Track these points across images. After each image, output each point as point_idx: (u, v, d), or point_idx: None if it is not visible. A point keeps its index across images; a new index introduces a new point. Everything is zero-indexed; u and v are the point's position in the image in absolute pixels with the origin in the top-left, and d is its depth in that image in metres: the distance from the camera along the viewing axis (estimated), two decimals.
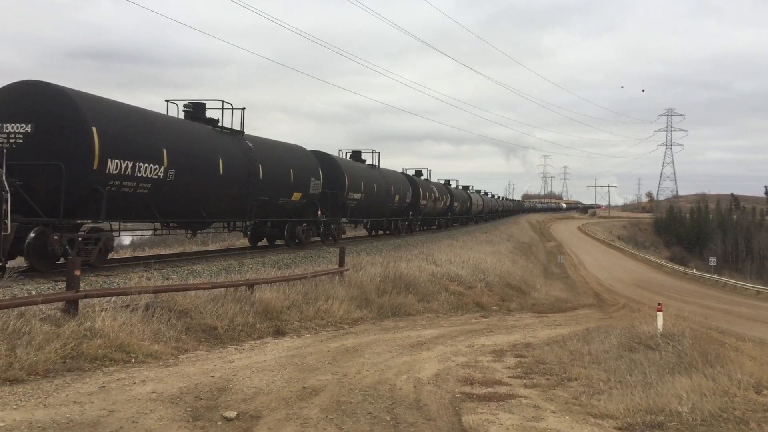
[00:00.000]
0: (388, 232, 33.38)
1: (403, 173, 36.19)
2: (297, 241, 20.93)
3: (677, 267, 66.71)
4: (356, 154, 29.31)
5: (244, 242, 24.33)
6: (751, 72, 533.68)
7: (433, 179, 46.10)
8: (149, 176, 13.33)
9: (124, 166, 12.57)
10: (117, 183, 12.52)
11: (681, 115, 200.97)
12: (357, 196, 25.44)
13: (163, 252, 21.65)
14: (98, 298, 9.17)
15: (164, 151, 13.77)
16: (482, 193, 72.60)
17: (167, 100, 16.64)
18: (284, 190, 19.54)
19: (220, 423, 5.92)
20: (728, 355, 9.42)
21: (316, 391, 7.11)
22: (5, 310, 7.69)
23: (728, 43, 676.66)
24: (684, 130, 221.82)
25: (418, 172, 40.91)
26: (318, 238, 23.17)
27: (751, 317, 33.35)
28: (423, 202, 36.98)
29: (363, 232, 34.94)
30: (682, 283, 53.40)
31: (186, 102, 16.89)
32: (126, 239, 34.95)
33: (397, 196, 31.51)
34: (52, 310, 8.55)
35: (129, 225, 16.03)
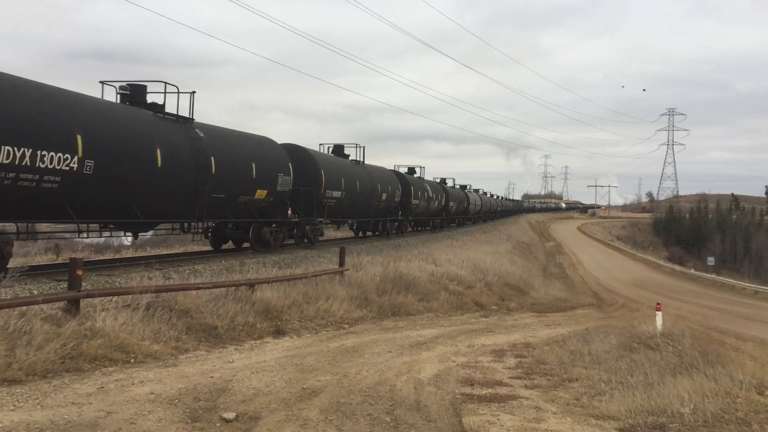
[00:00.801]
0: (376, 233, 31.24)
1: (392, 170, 33.80)
2: (265, 245, 18.96)
3: (676, 267, 66.71)
4: (338, 149, 27.21)
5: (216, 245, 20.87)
6: (751, 72, 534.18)
7: (431, 178, 45.20)
8: (58, 168, 11.21)
9: (19, 155, 10.46)
10: (10, 175, 10.43)
11: (683, 114, 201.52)
12: (336, 194, 23.26)
13: (165, 252, 21.64)
14: (99, 298, 9.15)
15: (78, 137, 11.65)
16: (480, 192, 70.77)
17: (102, 82, 14.50)
18: (245, 186, 17.35)
19: (218, 424, 5.90)
20: (729, 355, 9.39)
21: (316, 391, 7.09)
22: (7, 309, 7.67)
23: (728, 43, 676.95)
24: (685, 130, 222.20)
25: (411, 170, 38.81)
26: (292, 241, 21.35)
27: (749, 317, 33.35)
28: (414, 201, 34.83)
29: (349, 234, 33.27)
30: (681, 282, 53.39)
31: (123, 83, 14.65)
32: (127, 239, 34.49)
33: (384, 195, 29.20)
34: (54, 309, 8.53)
35: (57, 228, 14.12)
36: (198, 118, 16.25)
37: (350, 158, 27.56)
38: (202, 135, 15.59)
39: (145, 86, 14.93)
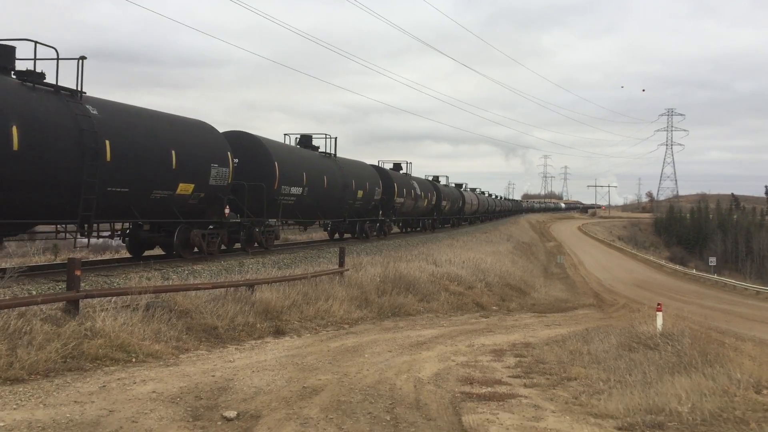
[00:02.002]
0: (354, 235, 28.18)
1: (372, 165, 30.34)
2: (196, 250, 16.03)
3: (677, 267, 66.71)
4: (305, 140, 23.90)
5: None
6: (751, 72, 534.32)
7: (424, 176, 43.69)
8: None
9: None
10: None
11: (681, 114, 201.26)
12: (295, 190, 20.02)
13: (163, 252, 21.60)
14: (99, 298, 9.19)
15: None
16: (478, 191, 68.13)
17: None
18: (161, 179, 14.05)
19: (220, 423, 5.93)
20: (728, 354, 9.41)
21: (316, 390, 7.12)
22: (6, 310, 7.70)
23: (727, 43, 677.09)
24: (684, 130, 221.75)
25: (397, 166, 35.70)
26: (239, 245, 18.64)
27: (750, 317, 33.36)
28: (399, 199, 31.60)
29: (321, 235, 30.88)
30: (682, 283, 53.39)
31: None
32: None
33: (360, 192, 25.92)
34: (53, 310, 8.57)
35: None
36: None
37: (320, 150, 24.28)
38: (94, 112, 12.43)
39: (13, 48, 11.82)
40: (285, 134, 23.59)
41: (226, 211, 16.82)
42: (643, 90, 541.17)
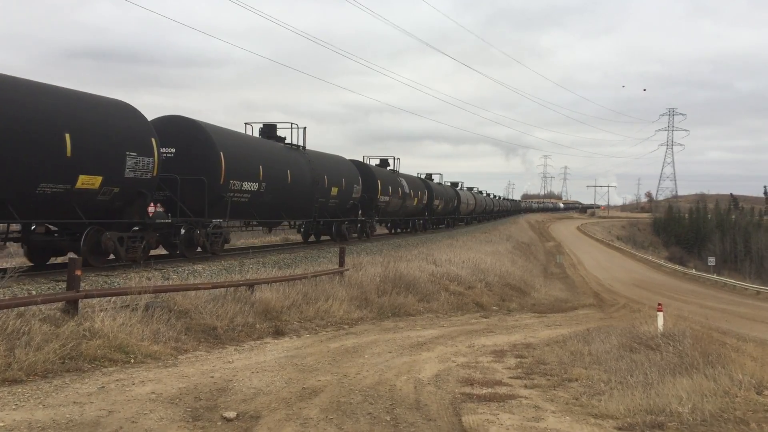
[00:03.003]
0: (329, 237, 25.50)
1: (353, 161, 27.87)
2: (111, 256, 13.52)
3: (676, 267, 66.73)
4: (269, 129, 21.01)
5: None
6: (750, 72, 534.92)
7: (416, 173, 42.04)
8: None
9: None
10: None
11: (683, 114, 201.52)
12: (249, 186, 17.38)
13: (164, 252, 21.59)
14: (98, 298, 9.16)
15: None
16: (475, 191, 66.17)
17: None
18: (49, 169, 11.39)
19: (219, 423, 5.91)
20: (729, 355, 9.41)
21: (316, 391, 7.10)
22: (5, 310, 7.68)
23: (726, 43, 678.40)
24: (685, 130, 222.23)
25: (383, 162, 33.32)
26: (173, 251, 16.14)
27: (750, 317, 33.36)
28: (383, 198, 28.94)
29: (292, 238, 28.43)
30: (682, 283, 53.40)
31: None
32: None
33: (334, 189, 23.24)
34: (52, 310, 8.54)
35: None
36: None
37: (287, 142, 21.39)
38: None
39: None
40: (246, 123, 20.41)
41: (150, 209, 14.14)
42: (644, 90, 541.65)
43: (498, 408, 6.80)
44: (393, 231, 36.31)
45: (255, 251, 19.73)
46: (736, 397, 7.06)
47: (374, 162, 31.91)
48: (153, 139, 13.93)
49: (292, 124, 21.88)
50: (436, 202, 40.60)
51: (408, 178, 35.30)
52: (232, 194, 16.67)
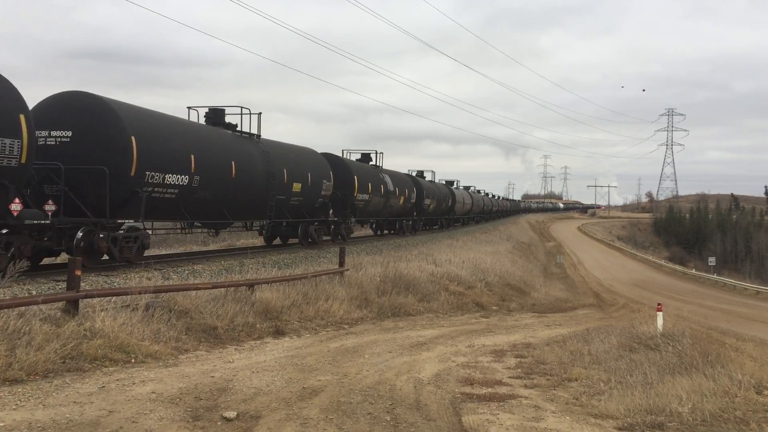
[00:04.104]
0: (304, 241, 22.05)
1: (324, 153, 24.69)
2: None
3: (677, 267, 66.71)
4: (215, 115, 18.03)
5: None
6: (749, 72, 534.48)
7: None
8: None
9: None
10: None
11: (682, 114, 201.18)
12: (177, 179, 14.36)
13: (164, 252, 21.65)
14: (98, 298, 9.17)
15: None
16: (472, 190, 63.30)
17: None
18: None
19: (219, 423, 5.92)
20: (729, 355, 9.41)
21: (316, 391, 7.11)
22: (5, 310, 7.69)
23: (725, 43, 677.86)
24: (685, 130, 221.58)
25: (365, 156, 30.07)
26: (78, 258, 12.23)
27: (750, 317, 33.34)
28: (361, 196, 25.98)
29: (251, 241, 25.89)
30: (682, 283, 53.39)
31: None
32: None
33: (296, 185, 20.18)
34: (52, 310, 8.55)
35: None
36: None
37: (238, 130, 18.46)
38: None
39: None
40: (189, 107, 17.63)
41: (14, 207, 11.09)
42: (644, 90, 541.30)
43: (498, 408, 6.81)
44: (379, 233, 33.49)
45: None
46: (736, 396, 7.06)
47: (355, 156, 29.00)
48: (21, 116, 10.95)
49: (242, 108, 18.44)
50: (427, 201, 37.95)
51: (393, 174, 32.37)
52: (149, 189, 13.53)
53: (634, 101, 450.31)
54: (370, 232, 34.51)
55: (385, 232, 33.83)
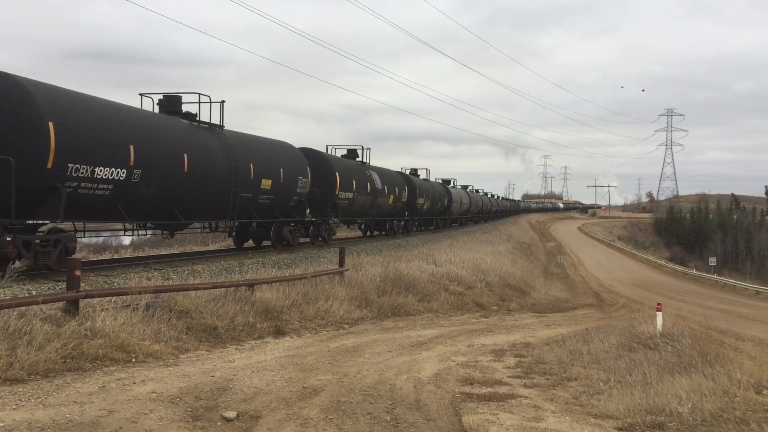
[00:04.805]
0: (272, 244, 20.17)
1: (302, 148, 22.67)
2: None
3: (677, 267, 66.74)
4: (170, 102, 16.15)
5: None
6: (749, 72, 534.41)
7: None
8: None
9: None
10: None
11: (681, 115, 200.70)
12: (112, 173, 12.40)
13: (164, 252, 21.65)
14: (98, 298, 9.19)
15: None
16: (470, 189, 61.61)
17: None
18: None
19: (219, 423, 5.93)
20: (728, 355, 9.41)
21: (316, 391, 7.12)
22: (6, 310, 7.70)
23: (725, 43, 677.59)
24: (684, 130, 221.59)
25: (351, 152, 28.06)
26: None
27: (751, 317, 33.36)
28: (345, 194, 24.03)
29: (224, 244, 24.06)
30: (682, 283, 53.41)
31: None
32: (126, 239, 30.05)
33: (266, 182, 18.22)
34: (53, 310, 8.57)
35: None
36: (152, 106, 14.40)
37: (200, 121, 16.44)
38: None
39: None
40: (141, 94, 16.03)
41: None
42: (643, 90, 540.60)
43: (498, 407, 6.81)
44: (369, 234, 31.74)
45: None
46: (736, 396, 7.07)
47: (341, 153, 27.34)
48: None
49: (201, 95, 16.60)
50: (420, 200, 35.94)
51: (382, 171, 30.27)
52: (73, 184, 11.72)
53: (634, 101, 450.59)
54: (359, 233, 32.82)
55: (375, 233, 31.95)
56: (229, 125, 17.54)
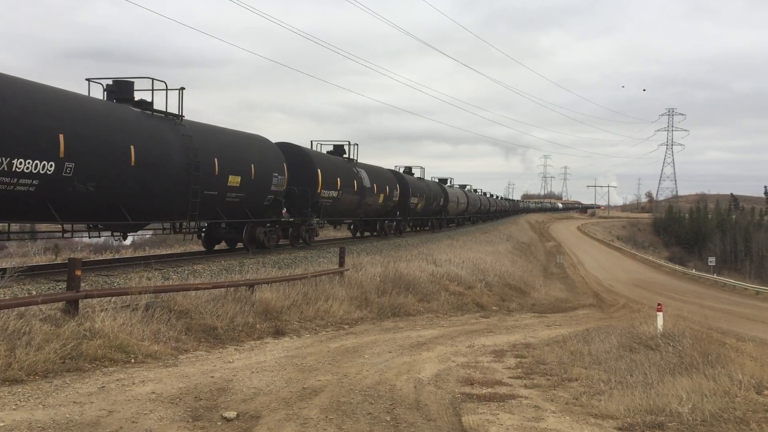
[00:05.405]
0: (243, 246, 18.85)
1: (279, 143, 21.19)
2: None
3: (676, 267, 66.76)
4: (120, 89, 14.51)
5: None
6: (748, 72, 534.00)
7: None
8: None
9: None
10: None
11: (682, 114, 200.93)
12: (35, 167, 10.98)
13: (164, 252, 21.63)
14: (98, 298, 9.17)
15: None
16: (469, 189, 60.67)
17: None
18: None
19: (219, 423, 5.92)
20: (729, 355, 9.41)
21: (316, 391, 7.11)
22: (5, 310, 7.69)
23: (724, 44, 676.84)
24: (685, 130, 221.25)
25: (338, 148, 26.44)
26: None
27: (750, 317, 33.37)
28: (328, 192, 22.55)
29: (192, 247, 21.09)
30: (682, 283, 53.42)
31: None
32: (126, 239, 32.72)
33: (234, 179, 16.73)
34: (52, 310, 8.55)
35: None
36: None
37: (158, 110, 14.99)
38: None
39: None
40: (88, 79, 14.38)
41: None
42: (644, 90, 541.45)
43: (498, 408, 6.81)
44: (360, 234, 30.61)
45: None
46: (736, 396, 7.06)
47: (327, 149, 26.07)
48: None
49: (153, 79, 14.96)
50: (414, 199, 34.65)
51: (371, 169, 29.00)
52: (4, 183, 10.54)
53: (634, 101, 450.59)
54: (348, 234, 31.76)
55: (366, 234, 30.70)
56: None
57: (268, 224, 19.30)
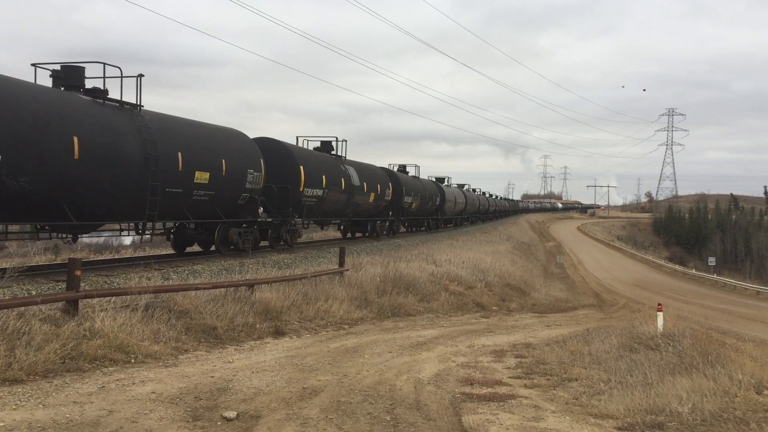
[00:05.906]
0: (220, 248, 17.19)
1: (258, 138, 20.17)
2: None
3: (677, 267, 66.76)
4: (70, 75, 13.22)
5: None
6: (748, 72, 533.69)
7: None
8: None
9: None
10: None
11: (682, 114, 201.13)
12: None
13: (164, 252, 21.63)
14: (98, 298, 9.17)
15: None
16: (467, 188, 59.45)
17: None
18: None
19: (219, 423, 5.92)
20: (729, 355, 9.42)
21: (316, 391, 7.11)
22: (5, 310, 7.69)
23: (724, 43, 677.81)
24: (685, 130, 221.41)
25: (325, 144, 25.27)
26: None
27: (751, 317, 33.35)
28: (312, 191, 21.24)
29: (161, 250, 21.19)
30: (682, 283, 53.42)
31: None
32: (127, 239, 29.13)
33: (202, 175, 15.37)
34: (52, 310, 8.55)
35: None
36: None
37: (111, 98, 13.58)
38: None
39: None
40: (34, 64, 13.28)
41: None
42: (644, 90, 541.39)
43: (498, 408, 6.81)
44: (351, 235, 29.61)
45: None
46: (736, 396, 7.06)
47: (314, 145, 24.85)
48: None
49: (105, 64, 13.55)
50: (408, 199, 33.28)
51: (361, 167, 27.36)
52: None
53: (634, 101, 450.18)
54: (338, 235, 30.74)
55: (358, 235, 29.55)
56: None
57: (244, 225, 18.02)
